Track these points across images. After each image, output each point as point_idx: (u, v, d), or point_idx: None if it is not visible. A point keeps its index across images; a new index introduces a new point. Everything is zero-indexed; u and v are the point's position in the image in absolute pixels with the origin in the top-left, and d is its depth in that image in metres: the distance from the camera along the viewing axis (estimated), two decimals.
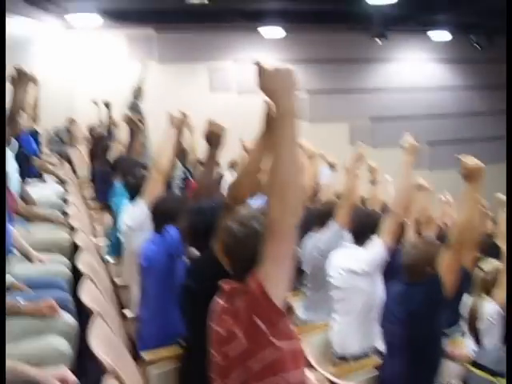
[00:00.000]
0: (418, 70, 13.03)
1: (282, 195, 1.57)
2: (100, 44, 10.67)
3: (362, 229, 3.35)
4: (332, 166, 5.95)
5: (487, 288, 3.90)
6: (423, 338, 2.70)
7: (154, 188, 3.45)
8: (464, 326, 3.90)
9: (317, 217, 3.98)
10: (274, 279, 1.63)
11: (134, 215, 3.56)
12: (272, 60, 1.63)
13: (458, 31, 12.02)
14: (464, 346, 3.98)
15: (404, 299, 2.78)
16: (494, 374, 2.52)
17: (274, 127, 1.61)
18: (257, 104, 2.26)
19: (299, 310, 3.99)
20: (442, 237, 4.97)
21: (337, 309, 3.41)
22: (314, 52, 11.72)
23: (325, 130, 11.39)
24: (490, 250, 5.24)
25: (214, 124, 2.81)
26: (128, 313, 3.49)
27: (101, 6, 9.04)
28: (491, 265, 3.98)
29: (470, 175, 2.61)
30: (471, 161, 2.63)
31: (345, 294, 3.32)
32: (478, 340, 3.85)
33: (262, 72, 1.58)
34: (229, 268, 1.87)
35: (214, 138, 2.80)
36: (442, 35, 11.92)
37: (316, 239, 3.90)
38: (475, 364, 2.66)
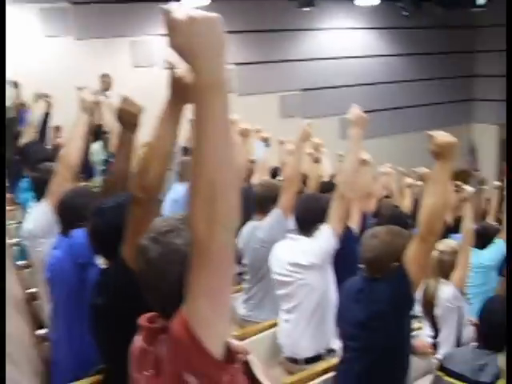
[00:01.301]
0: (346, 38, 12.72)
1: (209, 196, 1.07)
2: (9, 20, 9.76)
3: (309, 216, 2.93)
4: (266, 142, 5.58)
5: (443, 270, 3.61)
6: (387, 342, 2.34)
7: (59, 185, 2.83)
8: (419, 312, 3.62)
9: (256, 202, 3.51)
10: (208, 319, 1.13)
11: (36, 218, 2.98)
12: (188, 7, 1.07)
13: None
14: (422, 334, 3.70)
15: (365, 298, 2.40)
16: (469, 382, 2.20)
17: (196, 101, 1.08)
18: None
19: (240, 307, 3.59)
20: (379, 212, 4.66)
21: (284, 307, 3.02)
22: (239, 22, 11.20)
23: (254, 102, 10.96)
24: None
25: (128, 102, 2.27)
26: (42, 333, 2.94)
27: None
28: (447, 244, 3.68)
29: (440, 152, 2.19)
30: (442, 136, 2.22)
31: (292, 290, 2.92)
32: (435, 327, 3.56)
33: (172, 23, 1.05)
34: (148, 300, 1.36)
35: (128, 118, 2.27)
36: (369, 1, 11.62)
37: (256, 228, 3.46)
38: (445, 370, 2.33)
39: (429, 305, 3.53)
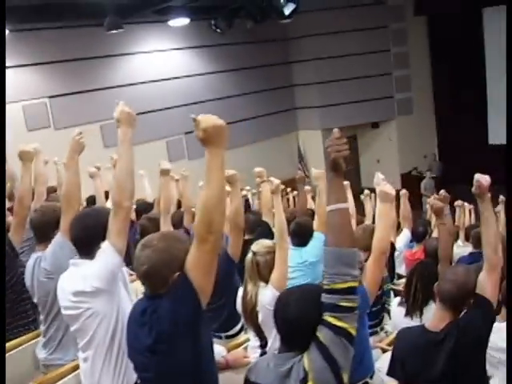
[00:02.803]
0: (163, 60, 12.51)
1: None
2: None
3: (85, 234, 2.53)
4: None
5: (260, 272, 3.37)
6: (182, 366, 2.00)
7: None
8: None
9: (34, 230, 3.06)
10: None
11: None
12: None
13: (197, 16, 11.79)
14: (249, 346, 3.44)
15: (148, 319, 2.04)
16: None
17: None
18: None
19: (41, 352, 3.12)
20: None
21: (80, 344, 2.58)
22: (49, 53, 10.62)
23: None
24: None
25: None
26: None
27: None
28: (261, 245, 3.45)
29: (207, 137, 1.95)
30: (206, 119, 1.98)
31: (83, 323, 2.48)
32: (261, 335, 3.31)
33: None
34: None
35: None
36: (180, 21, 11.52)
37: (39, 259, 2.99)
38: (250, 383, 2.03)
39: (250, 312, 3.27)
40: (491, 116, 14.48)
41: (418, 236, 6.21)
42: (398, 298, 4.06)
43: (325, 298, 1.86)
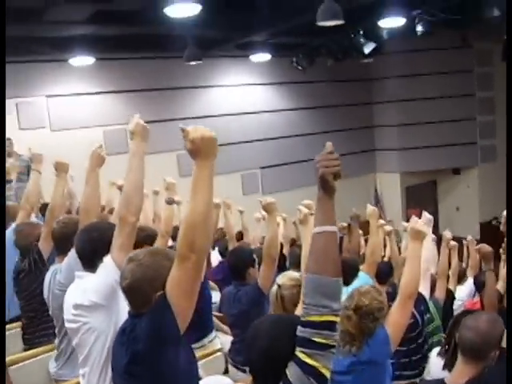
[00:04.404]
0: (243, 94, 12.69)
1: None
2: None
3: (88, 247, 2.53)
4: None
5: (285, 307, 3.23)
6: None
7: None
8: None
9: (54, 241, 3.10)
10: None
11: None
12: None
13: (279, 53, 11.91)
14: None
15: (127, 338, 1.96)
16: None
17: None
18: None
19: (51, 365, 3.11)
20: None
21: (80, 359, 2.54)
22: (129, 81, 11.02)
23: (152, 161, 10.59)
24: None
25: None
26: None
27: None
28: (288, 277, 3.30)
29: (195, 149, 1.90)
30: (195, 130, 1.91)
31: (81, 338, 2.45)
32: None
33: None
34: None
35: None
36: (262, 57, 11.66)
37: (56, 271, 3.01)
38: None
39: None
40: None
41: (479, 285, 5.84)
42: (438, 348, 3.78)
43: (299, 331, 1.67)
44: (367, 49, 10.48)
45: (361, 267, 4.47)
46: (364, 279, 4.22)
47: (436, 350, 3.76)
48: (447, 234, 5.44)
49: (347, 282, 4.25)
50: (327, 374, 1.65)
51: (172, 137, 11.36)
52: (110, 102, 11.01)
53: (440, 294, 4.76)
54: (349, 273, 4.29)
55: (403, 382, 3.89)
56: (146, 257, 1.98)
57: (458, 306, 5.86)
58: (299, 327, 1.68)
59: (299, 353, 1.65)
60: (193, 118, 11.78)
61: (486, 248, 3.75)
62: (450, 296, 5.54)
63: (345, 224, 6.82)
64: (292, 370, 1.65)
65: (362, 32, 10.41)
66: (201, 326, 3.90)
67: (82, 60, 9.90)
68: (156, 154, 11.09)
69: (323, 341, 1.64)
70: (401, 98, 14.02)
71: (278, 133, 12.76)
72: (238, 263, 3.86)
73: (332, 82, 13.46)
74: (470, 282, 6.25)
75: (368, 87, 14.52)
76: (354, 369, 2.74)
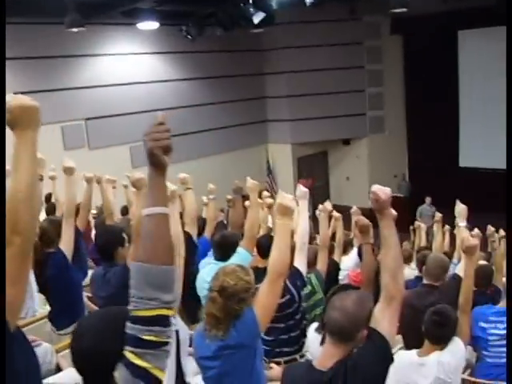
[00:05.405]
0: (131, 63, 12.19)
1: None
2: None
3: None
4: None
5: None
6: None
7: None
8: None
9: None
10: None
11: None
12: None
13: (167, 21, 11.53)
14: None
15: None
16: None
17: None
18: None
19: None
20: None
21: None
22: (11, 49, 10.24)
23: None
24: None
25: None
26: None
27: None
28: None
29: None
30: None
31: None
32: None
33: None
34: None
35: None
36: (149, 25, 11.24)
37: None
38: None
39: None
40: (463, 138, 14.36)
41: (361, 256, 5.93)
42: (316, 324, 3.71)
43: (128, 327, 1.45)
44: (256, 18, 10.35)
45: (241, 243, 4.33)
46: (243, 255, 4.10)
47: (314, 325, 3.69)
48: (328, 206, 5.42)
49: (225, 258, 4.13)
50: (161, 376, 1.46)
51: (56, 108, 10.83)
52: None
53: (322, 265, 4.71)
54: (227, 248, 4.16)
55: (284, 359, 3.83)
56: None
57: (343, 277, 5.91)
58: (128, 323, 1.47)
59: (128, 353, 1.44)
60: (77, 87, 11.23)
61: (363, 220, 3.71)
62: (335, 267, 5.57)
63: (229, 197, 6.72)
64: (120, 374, 1.45)
65: (251, 1, 10.27)
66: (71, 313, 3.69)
67: None
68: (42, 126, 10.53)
69: (154, 338, 1.45)
70: (291, 69, 14.07)
71: (166, 104, 12.34)
72: (105, 243, 3.64)
73: (223, 52, 13.23)
74: (354, 252, 6.32)
75: (259, 58, 14.44)
76: (221, 353, 2.61)
